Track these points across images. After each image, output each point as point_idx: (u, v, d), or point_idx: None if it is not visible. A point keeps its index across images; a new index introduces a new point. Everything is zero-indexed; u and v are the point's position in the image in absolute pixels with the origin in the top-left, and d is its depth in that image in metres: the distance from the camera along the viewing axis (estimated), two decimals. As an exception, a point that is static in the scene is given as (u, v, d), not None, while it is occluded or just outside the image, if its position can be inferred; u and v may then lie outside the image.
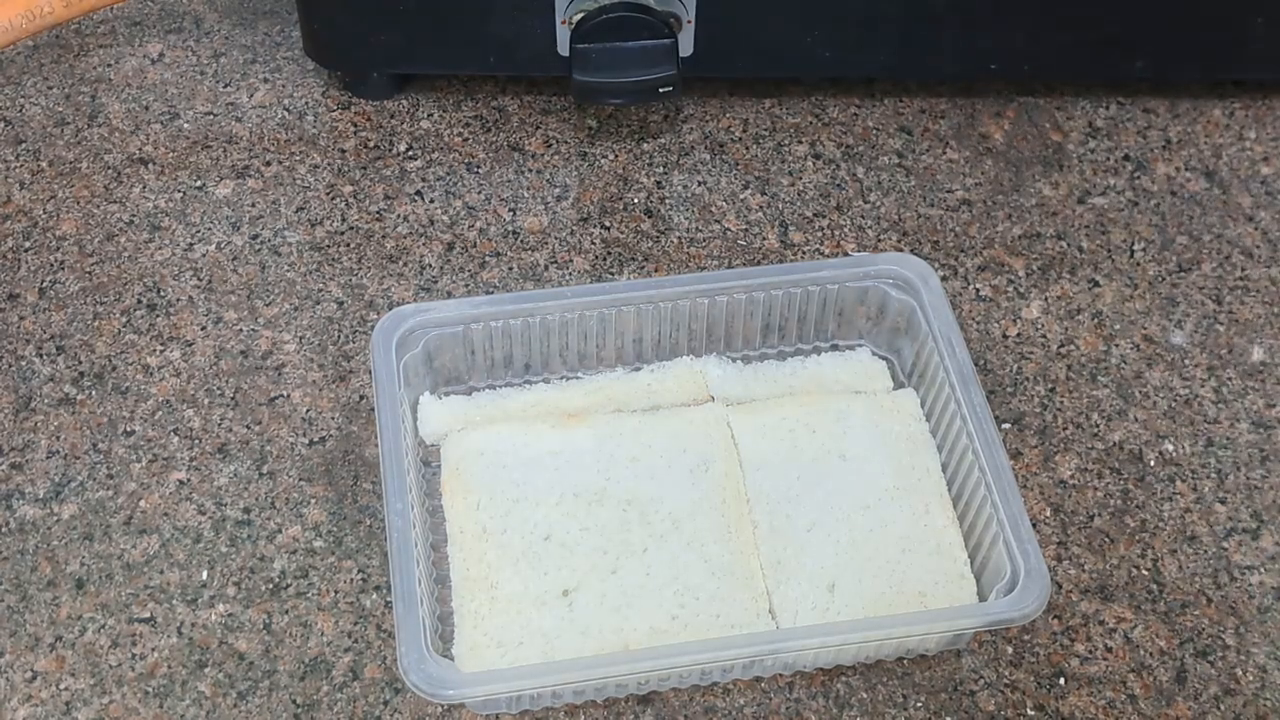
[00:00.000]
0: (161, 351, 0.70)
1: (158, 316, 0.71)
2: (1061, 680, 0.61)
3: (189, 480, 0.66)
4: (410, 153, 0.77)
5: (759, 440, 0.65)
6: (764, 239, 0.74)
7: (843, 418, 0.65)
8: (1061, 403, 0.69)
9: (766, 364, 0.68)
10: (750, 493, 0.63)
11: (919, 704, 0.60)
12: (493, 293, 0.72)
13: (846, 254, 0.74)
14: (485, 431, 0.65)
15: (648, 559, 0.61)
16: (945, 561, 0.61)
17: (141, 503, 0.65)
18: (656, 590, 0.60)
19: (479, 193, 0.76)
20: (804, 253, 0.74)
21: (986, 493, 0.60)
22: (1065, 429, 0.68)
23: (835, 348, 0.69)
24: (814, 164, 0.77)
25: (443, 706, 0.60)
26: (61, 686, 0.61)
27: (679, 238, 0.74)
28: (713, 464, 0.64)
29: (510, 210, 0.75)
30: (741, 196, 0.76)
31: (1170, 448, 0.68)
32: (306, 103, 0.79)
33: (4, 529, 0.65)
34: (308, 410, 0.68)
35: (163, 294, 0.72)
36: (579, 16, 0.72)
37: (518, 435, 0.65)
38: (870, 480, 0.63)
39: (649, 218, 0.75)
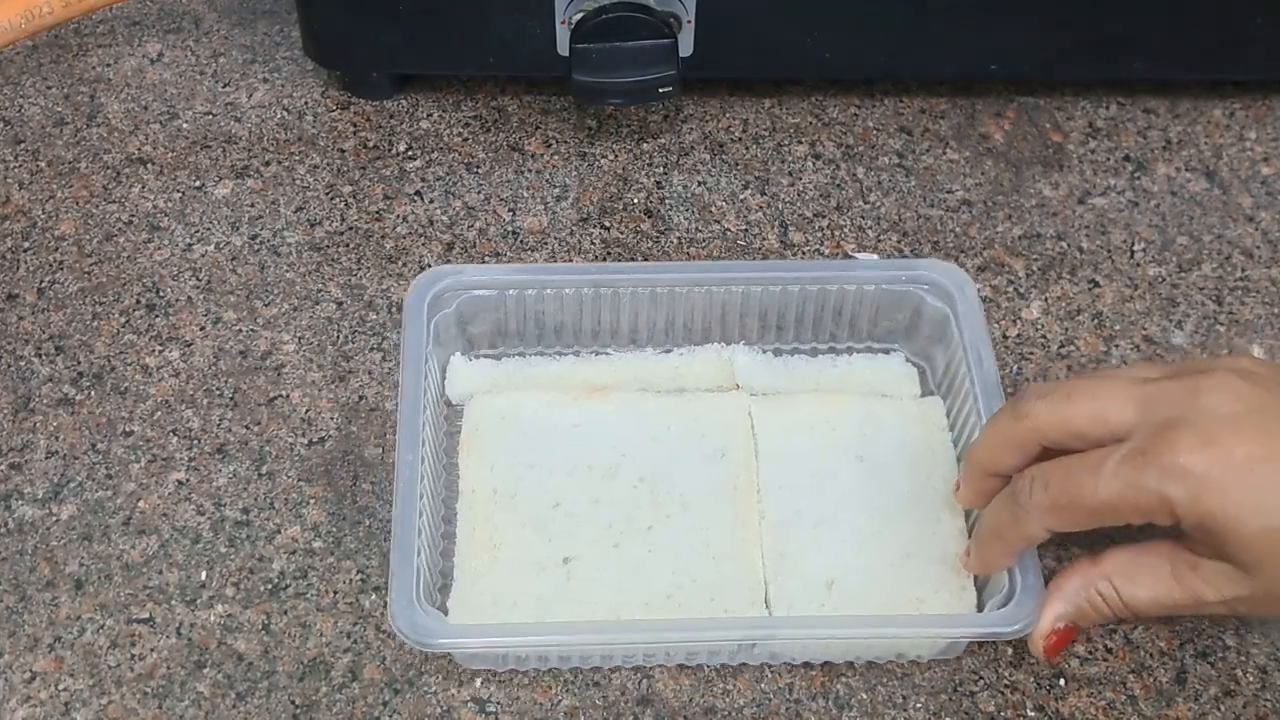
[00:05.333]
0: (160, 352, 0.70)
1: (157, 317, 0.71)
2: (1061, 681, 0.61)
3: (188, 481, 0.66)
4: (410, 153, 0.77)
5: (778, 432, 0.65)
6: (764, 239, 0.74)
7: (866, 419, 0.65)
8: (1061, 403, 0.69)
9: (797, 359, 0.68)
10: (762, 483, 0.64)
11: (919, 704, 0.60)
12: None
13: (847, 254, 0.74)
14: (509, 397, 0.66)
15: (651, 537, 0.62)
16: (948, 571, 0.61)
17: (140, 503, 0.65)
18: (656, 568, 0.61)
19: (479, 193, 0.76)
20: (804, 253, 0.74)
21: None
22: (1065, 429, 0.68)
23: (869, 350, 0.69)
24: (814, 164, 0.77)
25: (441, 707, 0.60)
26: (60, 687, 0.60)
27: (679, 238, 0.74)
28: (729, 451, 0.64)
29: (510, 210, 0.75)
30: (741, 196, 0.76)
31: (1170, 448, 0.67)
32: (306, 103, 0.79)
33: (3, 529, 0.64)
34: (307, 410, 0.68)
35: (162, 294, 0.72)
36: (579, 17, 0.72)
37: (541, 403, 0.66)
38: (885, 484, 0.63)
39: (649, 218, 0.75)
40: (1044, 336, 0.71)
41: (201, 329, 0.71)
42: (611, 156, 0.78)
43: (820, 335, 0.68)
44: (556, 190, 0.76)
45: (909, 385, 0.68)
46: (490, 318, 0.67)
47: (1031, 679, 0.61)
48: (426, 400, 0.62)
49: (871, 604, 0.60)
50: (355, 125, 0.79)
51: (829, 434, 0.65)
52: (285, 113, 0.79)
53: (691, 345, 0.68)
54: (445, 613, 0.60)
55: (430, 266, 0.73)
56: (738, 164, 0.77)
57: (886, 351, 0.69)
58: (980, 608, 0.60)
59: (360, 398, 0.69)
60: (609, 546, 0.62)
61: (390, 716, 0.60)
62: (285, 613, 0.62)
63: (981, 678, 0.61)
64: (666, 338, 0.68)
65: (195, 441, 0.67)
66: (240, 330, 0.71)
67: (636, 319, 0.67)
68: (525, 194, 0.76)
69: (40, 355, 0.70)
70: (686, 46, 0.73)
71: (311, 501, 0.65)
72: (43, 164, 0.77)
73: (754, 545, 0.62)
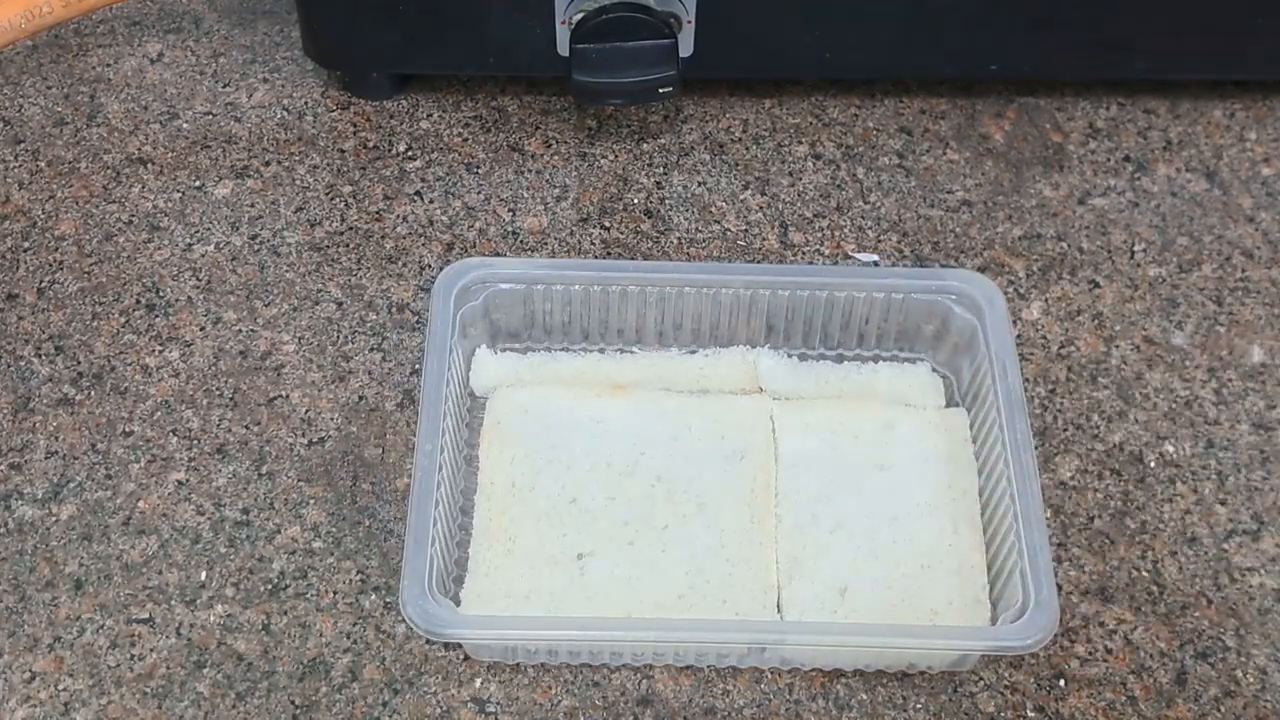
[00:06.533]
0: (160, 352, 0.70)
1: (156, 317, 0.71)
2: (1061, 682, 0.61)
3: (188, 481, 0.66)
4: (410, 153, 0.77)
5: (799, 437, 0.65)
6: (764, 239, 0.74)
7: (888, 428, 0.65)
8: (1062, 404, 0.69)
9: (822, 364, 0.68)
10: (780, 487, 0.64)
11: (919, 706, 0.60)
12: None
13: (847, 255, 0.74)
14: (533, 390, 0.66)
15: (666, 536, 0.62)
16: (964, 583, 0.61)
17: (140, 503, 0.65)
18: (669, 567, 0.61)
19: (478, 193, 0.76)
20: (804, 254, 0.74)
21: (1014, 521, 0.60)
22: (1065, 430, 0.68)
23: (895, 359, 0.69)
24: (814, 164, 0.77)
25: (441, 707, 0.60)
26: (60, 687, 0.60)
27: (679, 238, 0.74)
28: (749, 454, 0.64)
29: (510, 210, 0.75)
30: (741, 197, 0.76)
31: (1171, 449, 0.68)
32: (306, 103, 0.79)
33: (2, 529, 0.64)
34: (307, 411, 0.68)
35: (162, 294, 0.72)
36: (579, 17, 0.72)
37: (564, 398, 0.66)
38: (904, 493, 0.63)
39: (649, 218, 0.75)
40: (1044, 337, 0.71)
41: (201, 329, 0.71)
42: (611, 156, 0.78)
43: (846, 342, 0.68)
44: (556, 190, 0.76)
45: (934, 395, 0.67)
46: (517, 311, 0.67)
47: (1031, 680, 0.61)
48: (449, 391, 0.63)
49: (884, 613, 0.60)
50: (355, 125, 0.79)
51: (850, 440, 0.65)
52: (285, 113, 0.79)
53: (717, 347, 0.68)
54: (457, 603, 0.60)
55: (430, 266, 0.73)
56: (738, 164, 0.77)
57: (912, 361, 0.68)
58: (993, 620, 0.60)
59: (360, 398, 0.69)
60: (624, 544, 0.62)
61: (390, 716, 0.60)
62: (285, 613, 0.62)
63: (981, 679, 0.61)
64: (693, 339, 0.68)
65: (195, 441, 0.67)
66: (240, 330, 0.71)
67: (663, 318, 0.67)
68: (525, 194, 0.76)
69: (40, 355, 0.70)
70: (686, 46, 0.73)
71: (311, 501, 0.65)
72: (43, 164, 0.77)
73: (769, 549, 0.62)
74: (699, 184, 0.76)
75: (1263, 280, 0.73)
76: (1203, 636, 0.62)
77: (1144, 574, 0.64)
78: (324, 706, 0.60)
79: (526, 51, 0.74)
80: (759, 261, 0.73)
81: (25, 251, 0.73)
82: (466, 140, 0.78)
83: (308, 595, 0.63)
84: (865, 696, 0.61)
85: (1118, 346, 0.71)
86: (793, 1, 0.73)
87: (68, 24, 0.81)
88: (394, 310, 0.71)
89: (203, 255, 0.73)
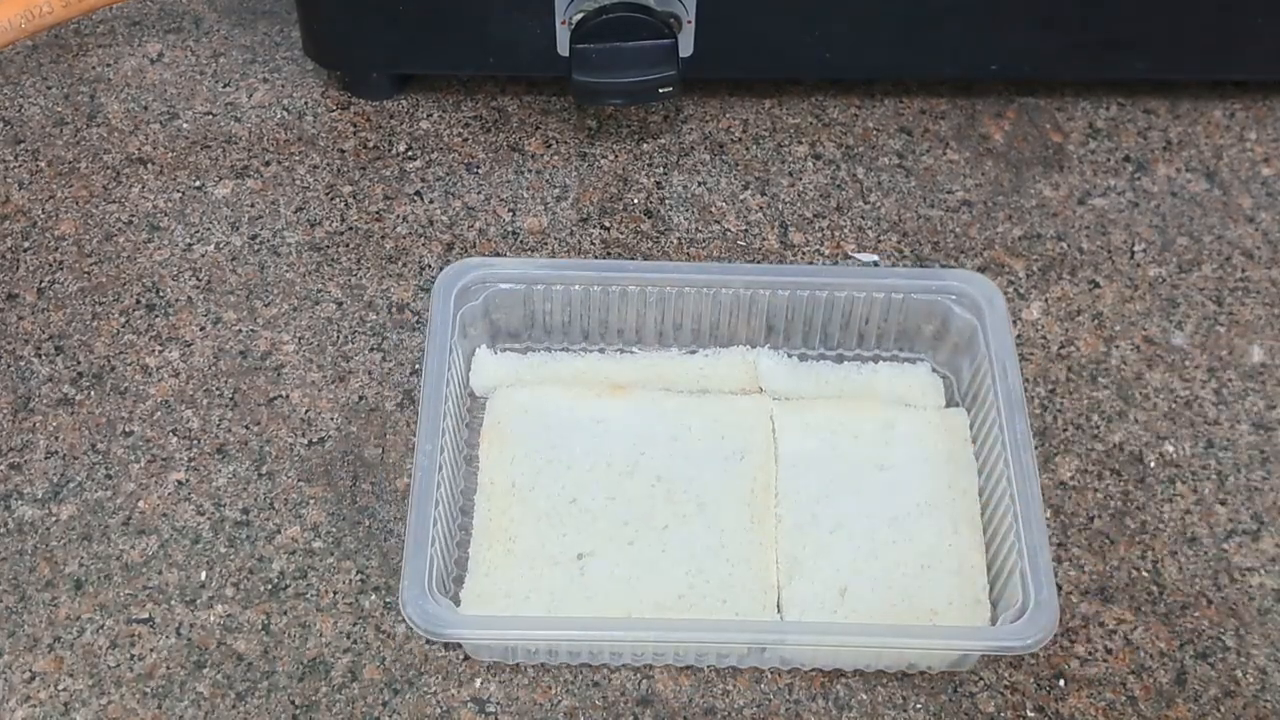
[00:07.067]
0: (160, 352, 0.70)
1: (156, 317, 0.71)
2: (1061, 682, 0.61)
3: (188, 481, 0.66)
4: (410, 153, 0.77)
5: (799, 437, 0.65)
6: (764, 240, 0.74)
7: (888, 428, 0.65)
8: (1062, 404, 0.69)
9: (822, 364, 0.68)
10: (780, 487, 0.64)
11: (919, 706, 0.60)
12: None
13: (847, 255, 0.74)
14: (533, 390, 0.66)
15: (666, 536, 0.62)
16: (964, 584, 0.61)
17: (140, 503, 0.65)
18: (669, 567, 0.61)
19: (478, 193, 0.76)
20: (804, 254, 0.74)
21: (1014, 521, 0.60)
22: (1065, 430, 0.68)
23: (895, 359, 0.69)
24: (814, 164, 0.77)
25: (441, 707, 0.60)
26: (60, 687, 0.60)
27: (679, 238, 0.74)
28: (749, 454, 0.64)
29: (510, 211, 0.75)
30: (741, 197, 0.76)
31: (1170, 449, 0.68)
32: (306, 103, 0.79)
33: (2, 529, 0.64)
34: (307, 411, 0.68)
35: (161, 294, 0.72)
36: (579, 17, 0.72)
37: (564, 398, 0.66)
38: (904, 493, 0.63)
39: (649, 218, 0.75)
40: (1044, 337, 0.71)
41: (201, 329, 0.71)
42: (611, 156, 0.78)
43: (846, 342, 0.68)
44: (556, 190, 0.76)
45: (934, 395, 0.67)
46: (517, 311, 0.67)
47: (1031, 680, 0.61)
48: (449, 391, 0.63)
49: (884, 613, 0.60)
50: (355, 125, 0.79)
51: (850, 441, 0.65)
52: (285, 113, 0.79)
53: (717, 347, 0.68)
54: (457, 603, 0.60)
55: (430, 266, 0.73)
56: (738, 164, 0.77)
57: (912, 361, 0.68)
58: (993, 621, 0.60)
59: (360, 398, 0.69)
60: (624, 544, 0.62)
61: (390, 716, 0.60)
62: (285, 613, 0.62)
63: (981, 679, 0.61)
64: (692, 339, 0.68)
65: (195, 441, 0.67)
66: (240, 330, 0.71)
67: (663, 318, 0.68)
68: (525, 194, 0.76)
69: (40, 355, 0.70)
70: (686, 46, 0.73)
71: (311, 501, 0.65)
72: (43, 164, 0.77)
73: (769, 549, 0.62)
74: (699, 184, 0.76)
75: (1263, 280, 0.73)
76: (1203, 636, 0.62)
77: (1144, 574, 0.64)
78: (324, 706, 0.60)
79: (526, 51, 0.74)
80: (759, 261, 0.73)
81: (25, 251, 0.73)
82: (466, 140, 0.78)
83: (308, 595, 0.63)
84: (865, 696, 0.61)
85: (1118, 346, 0.71)
86: (793, 1, 0.73)
87: (68, 24, 0.81)
88: (394, 310, 0.71)
89: (203, 255, 0.73)
